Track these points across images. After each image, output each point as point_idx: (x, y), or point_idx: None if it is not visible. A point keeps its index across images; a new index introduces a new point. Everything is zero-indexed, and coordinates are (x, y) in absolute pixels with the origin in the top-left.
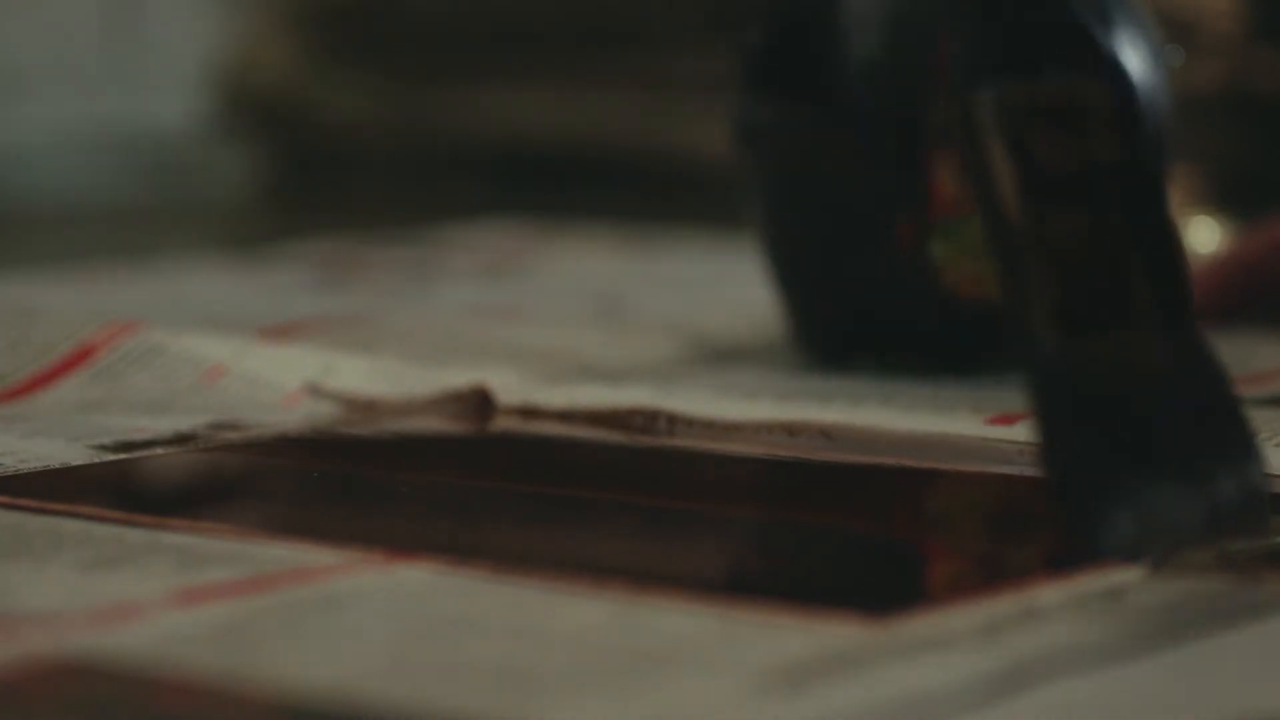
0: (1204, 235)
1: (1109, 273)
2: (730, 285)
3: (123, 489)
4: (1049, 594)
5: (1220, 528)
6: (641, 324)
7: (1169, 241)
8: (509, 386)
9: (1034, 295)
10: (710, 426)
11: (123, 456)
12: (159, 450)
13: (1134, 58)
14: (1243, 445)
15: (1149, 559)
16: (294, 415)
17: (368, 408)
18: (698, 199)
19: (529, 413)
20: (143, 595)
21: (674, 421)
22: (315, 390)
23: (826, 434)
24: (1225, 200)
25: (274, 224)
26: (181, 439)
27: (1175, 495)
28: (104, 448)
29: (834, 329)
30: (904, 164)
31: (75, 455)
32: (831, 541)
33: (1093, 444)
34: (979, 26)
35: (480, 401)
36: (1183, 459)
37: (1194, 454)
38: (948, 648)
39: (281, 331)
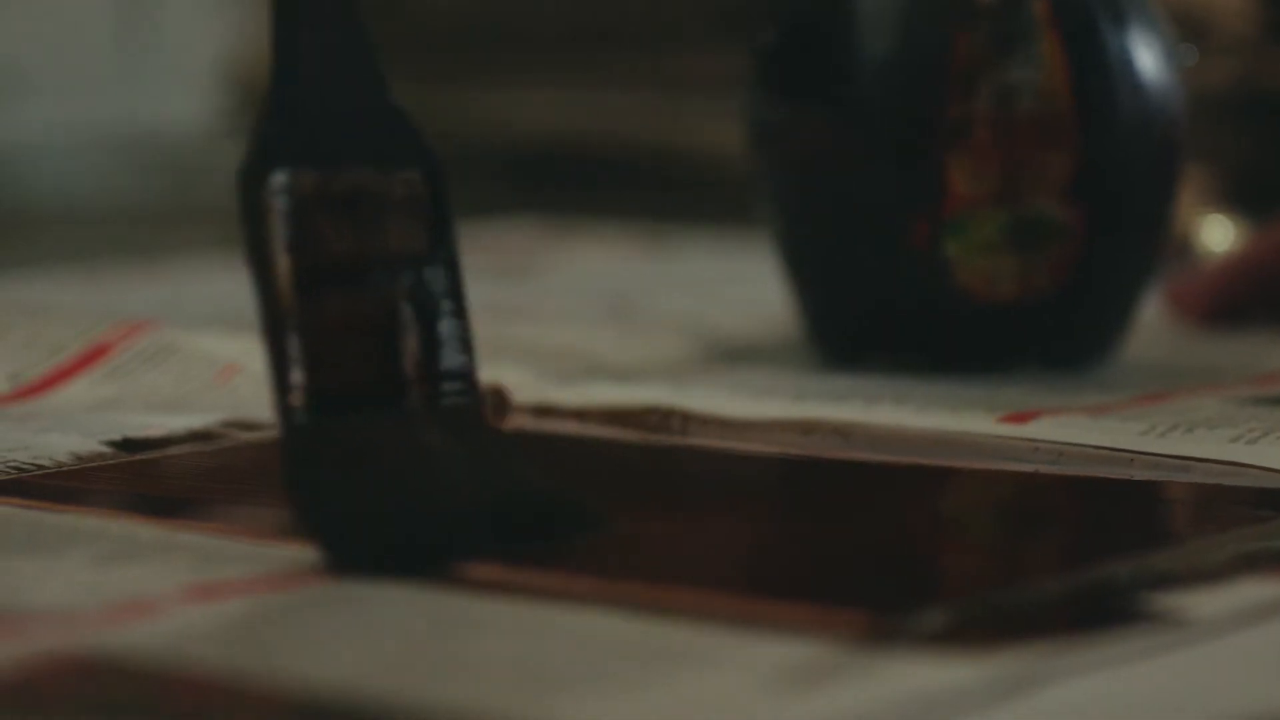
0: (1217, 235)
1: (371, 355)
2: (743, 284)
3: (137, 487)
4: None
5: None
6: (655, 323)
7: (438, 329)
8: (523, 385)
9: (290, 374)
10: (724, 425)
11: (137, 455)
12: (173, 449)
13: (1147, 57)
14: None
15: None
16: None
17: None
18: (711, 198)
19: (543, 411)
20: (156, 592)
21: (688, 420)
22: None
23: (840, 432)
24: (1238, 199)
25: None
26: (195, 437)
27: (427, 519)
28: (117, 446)
29: (847, 328)
30: (917, 163)
31: (89, 453)
32: (844, 540)
33: (337, 491)
34: (294, 110)
35: (495, 400)
36: (429, 495)
37: (443, 493)
38: (956, 647)
39: None
